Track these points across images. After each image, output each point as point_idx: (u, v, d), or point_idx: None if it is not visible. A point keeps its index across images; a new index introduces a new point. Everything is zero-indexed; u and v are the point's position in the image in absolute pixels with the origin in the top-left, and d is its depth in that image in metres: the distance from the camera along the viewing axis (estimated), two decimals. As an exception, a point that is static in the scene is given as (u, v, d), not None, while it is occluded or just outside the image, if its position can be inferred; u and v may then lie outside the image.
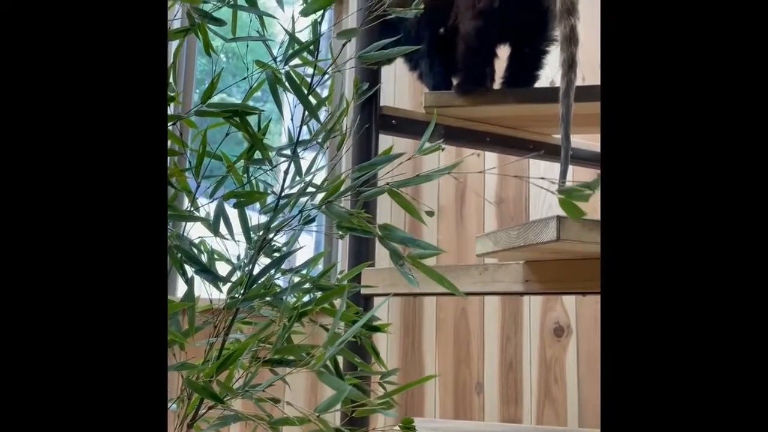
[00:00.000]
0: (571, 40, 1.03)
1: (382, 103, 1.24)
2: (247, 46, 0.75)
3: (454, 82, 1.26)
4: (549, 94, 1.23)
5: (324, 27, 0.65)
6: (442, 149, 0.54)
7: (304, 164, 0.72)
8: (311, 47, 0.66)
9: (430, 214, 0.53)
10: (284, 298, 0.65)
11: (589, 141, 1.51)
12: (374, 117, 1.19)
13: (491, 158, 1.74)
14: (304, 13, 0.61)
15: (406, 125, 1.24)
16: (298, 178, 0.71)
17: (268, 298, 0.68)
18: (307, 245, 1.76)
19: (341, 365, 0.65)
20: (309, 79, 0.68)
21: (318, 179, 0.72)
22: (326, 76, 0.69)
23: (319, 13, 0.63)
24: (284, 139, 0.74)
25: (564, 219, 0.77)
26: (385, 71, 1.80)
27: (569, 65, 1.02)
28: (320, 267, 1.12)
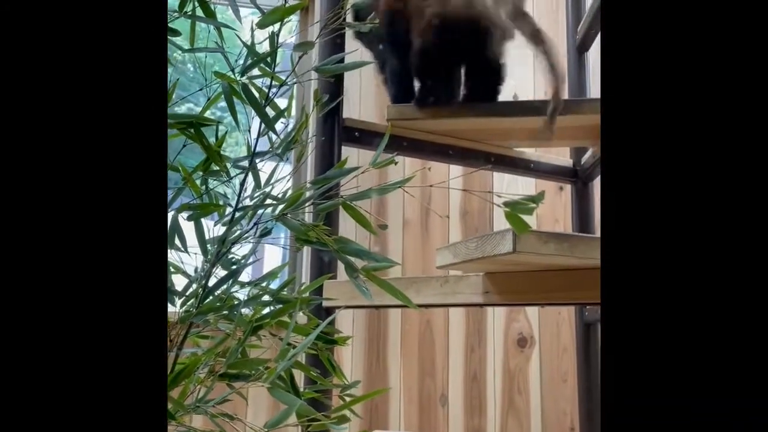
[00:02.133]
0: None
1: (345, 115, 1.24)
2: (206, 56, 0.74)
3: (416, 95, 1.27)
4: (509, 108, 1.25)
5: (289, 37, 0.65)
6: (395, 163, 0.55)
7: (265, 176, 0.71)
8: (269, 59, 0.65)
9: (383, 227, 0.53)
10: (239, 311, 0.64)
11: (547, 154, 1.53)
12: (337, 129, 1.19)
13: (456, 171, 1.75)
14: (261, 25, 0.61)
15: (369, 137, 1.24)
16: (257, 190, 0.71)
17: (224, 312, 0.67)
18: (273, 257, 1.74)
19: (301, 379, 0.65)
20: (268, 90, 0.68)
21: (277, 191, 0.72)
22: (285, 88, 0.68)
23: (277, 24, 0.63)
24: (246, 149, 0.74)
25: (521, 231, 0.77)
26: (351, 83, 1.80)
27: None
28: (284, 278, 1.11)
